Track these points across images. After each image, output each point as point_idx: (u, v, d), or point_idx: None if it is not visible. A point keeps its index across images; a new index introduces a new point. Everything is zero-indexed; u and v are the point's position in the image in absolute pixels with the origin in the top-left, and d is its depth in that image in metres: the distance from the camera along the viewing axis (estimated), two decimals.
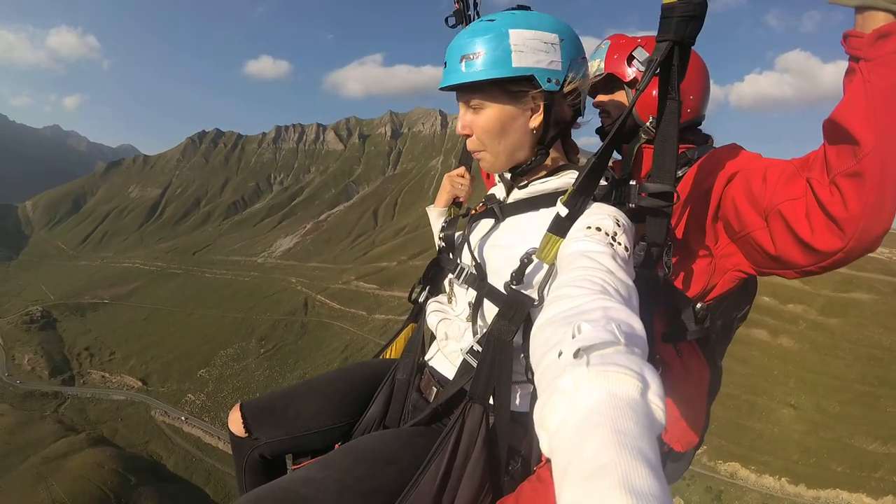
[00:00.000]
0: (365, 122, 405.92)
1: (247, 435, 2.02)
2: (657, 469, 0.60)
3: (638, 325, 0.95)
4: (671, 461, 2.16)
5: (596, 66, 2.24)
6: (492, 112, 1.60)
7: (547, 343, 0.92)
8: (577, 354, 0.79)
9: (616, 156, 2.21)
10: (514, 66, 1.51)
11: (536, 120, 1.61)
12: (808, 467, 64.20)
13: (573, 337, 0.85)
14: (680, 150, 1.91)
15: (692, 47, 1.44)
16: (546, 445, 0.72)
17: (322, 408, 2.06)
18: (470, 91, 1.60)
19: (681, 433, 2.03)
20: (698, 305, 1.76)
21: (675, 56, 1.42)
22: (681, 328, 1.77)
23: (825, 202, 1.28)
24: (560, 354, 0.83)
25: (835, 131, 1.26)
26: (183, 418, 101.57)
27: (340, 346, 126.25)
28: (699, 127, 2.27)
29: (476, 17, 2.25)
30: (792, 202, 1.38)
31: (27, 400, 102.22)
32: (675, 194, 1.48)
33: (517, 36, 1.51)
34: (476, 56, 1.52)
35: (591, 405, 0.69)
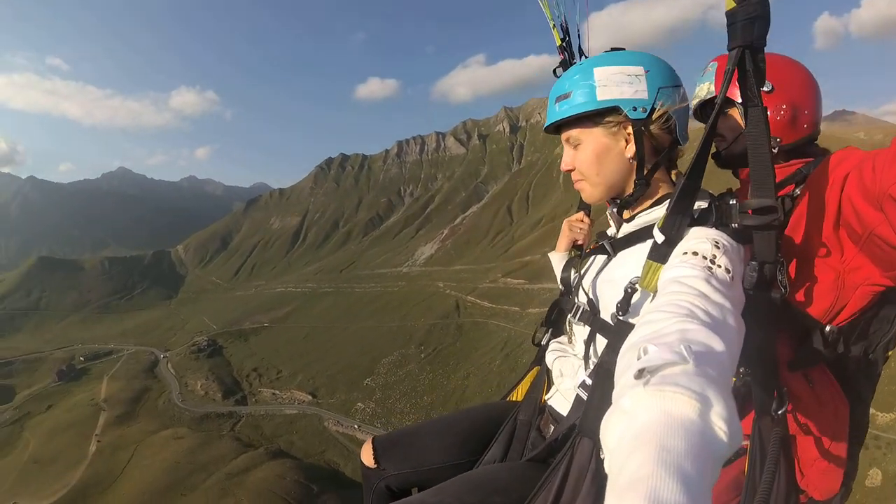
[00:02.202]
0: (481, 122, 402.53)
1: (376, 466, 2.14)
2: (694, 488, 0.61)
3: (719, 347, 0.95)
4: None
5: (706, 88, 2.26)
6: (588, 144, 1.69)
7: (622, 368, 0.95)
8: (639, 375, 0.82)
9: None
10: (598, 99, 1.63)
11: (631, 149, 1.68)
12: None
13: (638, 358, 0.89)
14: (795, 167, 2.03)
15: (765, 49, 1.42)
16: (606, 464, 0.75)
17: (447, 445, 2.15)
18: (567, 128, 1.72)
19: (818, 477, 1.83)
20: (828, 328, 1.63)
21: (748, 61, 1.42)
22: (808, 354, 1.67)
23: None
24: (627, 376, 0.86)
25: None
26: (356, 426, 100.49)
27: (499, 344, 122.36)
28: (815, 141, 2.18)
29: None
30: None
31: (204, 422, 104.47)
32: (779, 207, 1.41)
33: (601, 73, 1.64)
34: (566, 96, 1.67)
35: (644, 423, 0.71)
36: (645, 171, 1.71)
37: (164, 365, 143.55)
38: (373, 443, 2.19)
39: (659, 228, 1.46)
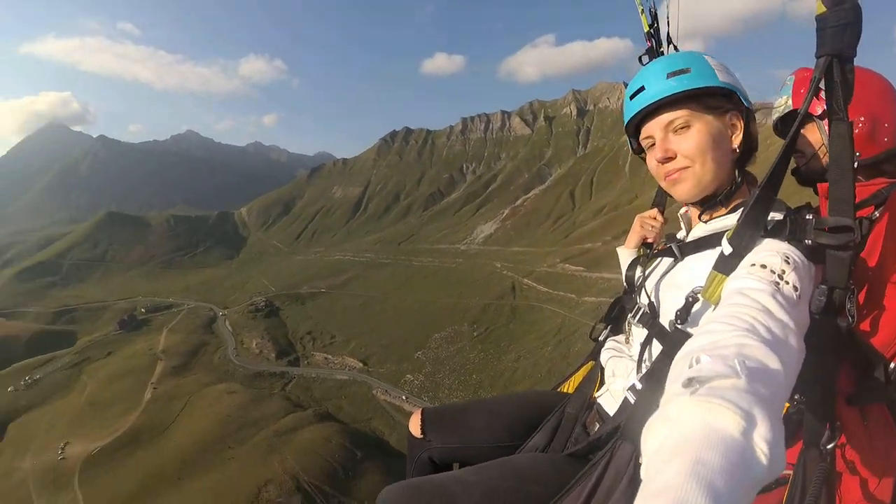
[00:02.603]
0: (548, 103, 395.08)
1: (422, 436, 2.19)
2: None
3: (775, 367, 0.92)
4: None
5: (784, 102, 2.19)
6: (702, 126, 1.59)
7: (675, 374, 0.95)
8: (687, 384, 0.81)
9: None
10: (720, 80, 1.58)
11: (738, 138, 1.63)
12: None
13: (690, 367, 0.88)
14: (876, 187, 1.90)
15: (855, 60, 1.35)
16: (643, 468, 0.75)
17: (493, 425, 2.17)
18: (670, 109, 1.61)
19: None
20: (892, 365, 1.54)
21: (836, 71, 1.34)
22: (868, 389, 1.58)
23: None
24: (677, 384, 0.86)
25: None
26: (403, 397, 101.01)
27: (552, 330, 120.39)
28: None
29: (674, 50, 2.36)
30: None
31: (256, 380, 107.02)
32: (856, 228, 1.32)
33: (711, 60, 1.63)
34: (685, 71, 1.59)
35: (685, 433, 0.71)
36: (739, 169, 1.67)
37: (222, 322, 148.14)
38: (422, 414, 2.23)
39: (728, 239, 1.42)
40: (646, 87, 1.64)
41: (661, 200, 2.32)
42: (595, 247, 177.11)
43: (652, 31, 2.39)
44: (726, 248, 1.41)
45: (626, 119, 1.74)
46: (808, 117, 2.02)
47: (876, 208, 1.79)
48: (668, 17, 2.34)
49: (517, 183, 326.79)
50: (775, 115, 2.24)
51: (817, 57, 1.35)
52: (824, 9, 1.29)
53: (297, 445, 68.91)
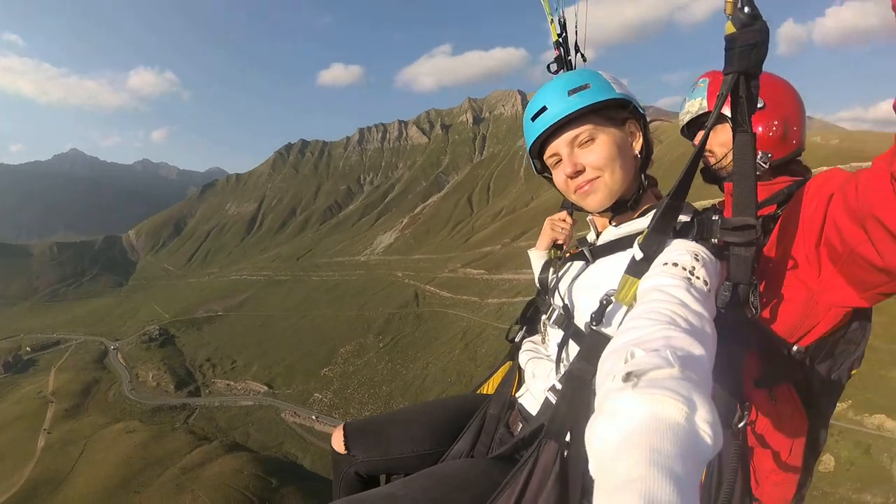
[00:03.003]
0: (445, 112, 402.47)
1: (346, 452, 2.16)
2: (685, 490, 0.62)
3: (699, 353, 0.97)
4: None
5: (698, 104, 2.28)
6: (606, 137, 1.67)
7: (607, 371, 0.97)
8: (627, 378, 0.83)
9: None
10: (617, 92, 1.67)
11: (639, 144, 1.73)
12: None
13: (625, 362, 0.90)
14: (780, 185, 2.10)
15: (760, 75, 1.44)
16: (592, 466, 0.75)
17: (417, 434, 2.17)
18: (574, 126, 1.67)
19: (773, 488, 1.89)
20: (795, 348, 1.67)
21: (742, 87, 1.43)
22: (773, 372, 1.72)
23: None
24: (613, 379, 0.87)
25: None
26: (314, 417, 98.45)
27: (458, 333, 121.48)
28: (799, 158, 2.25)
29: (582, 59, 2.47)
30: (884, 202, 1.30)
31: (156, 415, 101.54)
32: (759, 227, 1.45)
33: (606, 74, 1.73)
34: (585, 87, 1.66)
35: (632, 426, 0.72)
36: (643, 174, 1.77)
37: (114, 355, 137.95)
38: (344, 429, 2.21)
39: (639, 245, 1.47)
40: (548, 106, 1.68)
41: (570, 203, 2.29)
42: (495, 249, 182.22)
43: (560, 39, 2.44)
44: (637, 253, 1.46)
45: (531, 140, 1.77)
46: (722, 118, 2.13)
47: (779, 206, 1.93)
48: (576, 27, 2.41)
49: (415, 191, 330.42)
50: (687, 118, 2.33)
51: (725, 73, 1.43)
52: (734, 29, 1.36)
53: (207, 481, 65.01)
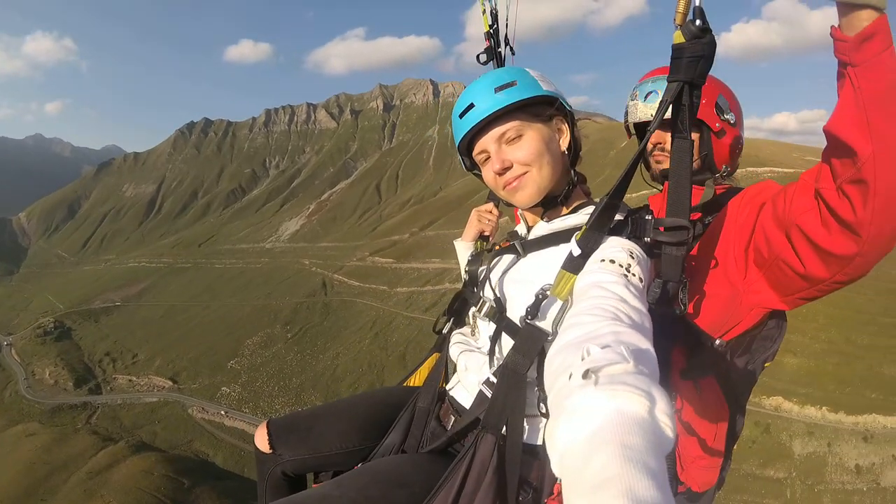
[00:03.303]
0: (355, 97, 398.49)
1: (271, 451, 2.10)
2: (662, 483, 0.62)
3: (647, 347, 0.98)
4: (689, 502, 2.10)
5: (650, 110, 2.26)
6: (533, 133, 1.69)
7: (559, 368, 0.95)
8: (586, 375, 0.81)
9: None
10: (544, 89, 1.70)
11: (566, 141, 1.76)
12: (845, 396, 69.86)
13: (582, 359, 0.88)
14: (717, 192, 2.14)
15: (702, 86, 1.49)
16: (556, 465, 0.74)
17: (345, 430, 2.12)
18: (501, 122, 1.69)
19: (698, 472, 1.98)
20: (717, 342, 1.74)
21: (686, 96, 1.47)
22: (698, 365, 1.79)
23: (836, 209, 1.32)
24: (570, 376, 0.85)
25: (834, 139, 1.29)
26: (223, 412, 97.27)
27: (368, 323, 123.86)
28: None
29: (510, 52, 2.52)
30: (807, 213, 1.40)
31: (56, 415, 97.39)
32: (690, 229, 1.50)
33: (533, 72, 1.75)
34: (512, 84, 1.68)
35: (599, 422, 0.71)
36: (572, 171, 1.80)
37: (8, 351, 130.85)
38: (268, 426, 2.15)
39: (577, 241, 1.49)
40: (475, 103, 1.70)
41: (496, 195, 2.31)
42: (403, 238, 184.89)
43: (492, 31, 2.49)
44: (575, 249, 1.48)
45: (459, 137, 1.78)
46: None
47: (710, 213, 1.99)
48: (507, 20, 2.46)
49: (322, 177, 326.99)
50: (640, 119, 2.31)
51: (670, 81, 1.46)
52: (683, 40, 1.39)
53: (116, 485, 61.67)
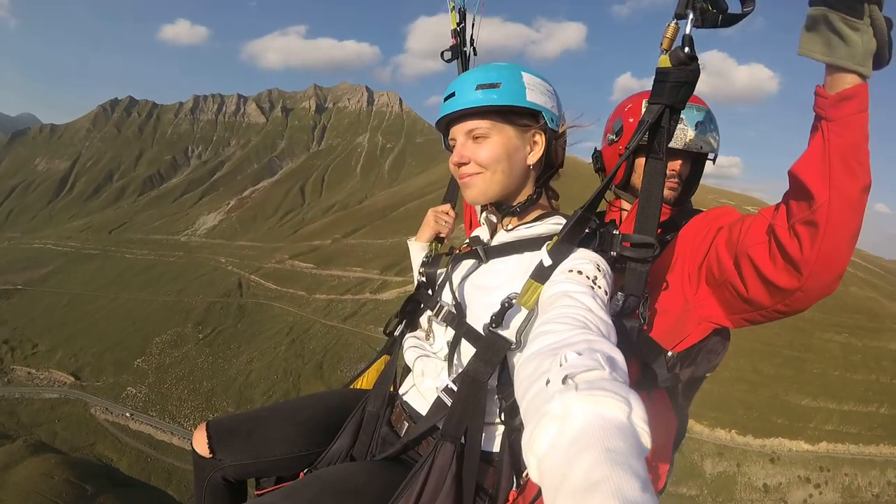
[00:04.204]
0: (288, 94, 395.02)
1: (211, 455, 1.97)
2: (648, 485, 0.62)
3: (619, 357, 0.99)
4: None
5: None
6: (499, 139, 1.68)
7: (534, 374, 0.96)
8: (565, 381, 0.83)
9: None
10: (528, 99, 1.66)
11: (536, 156, 1.72)
12: (752, 420, 76.83)
13: (560, 365, 0.90)
14: (670, 214, 2.19)
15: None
16: (535, 470, 0.75)
17: (290, 434, 2.03)
18: (474, 118, 1.69)
19: (651, 478, 1.98)
20: (669, 353, 1.82)
21: (665, 119, 1.53)
22: (653, 376, 1.84)
23: (785, 245, 1.42)
24: (548, 382, 0.86)
25: (795, 182, 1.38)
26: (128, 414, 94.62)
27: (284, 328, 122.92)
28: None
29: (472, 53, 2.48)
30: (758, 245, 1.52)
31: None
32: (656, 247, 1.57)
33: (528, 77, 1.70)
34: (495, 85, 1.66)
35: (580, 427, 0.72)
36: (538, 184, 1.80)
37: None
38: (207, 429, 1.99)
39: (548, 252, 1.50)
40: (456, 93, 1.71)
41: (452, 197, 2.40)
42: (325, 244, 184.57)
43: (458, 29, 2.48)
44: (546, 259, 1.49)
45: (437, 119, 1.81)
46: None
47: (668, 232, 2.05)
48: (473, 20, 2.46)
49: (245, 173, 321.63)
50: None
51: (651, 103, 1.53)
52: (669, 64, 1.47)
53: (13, 488, 59.34)
